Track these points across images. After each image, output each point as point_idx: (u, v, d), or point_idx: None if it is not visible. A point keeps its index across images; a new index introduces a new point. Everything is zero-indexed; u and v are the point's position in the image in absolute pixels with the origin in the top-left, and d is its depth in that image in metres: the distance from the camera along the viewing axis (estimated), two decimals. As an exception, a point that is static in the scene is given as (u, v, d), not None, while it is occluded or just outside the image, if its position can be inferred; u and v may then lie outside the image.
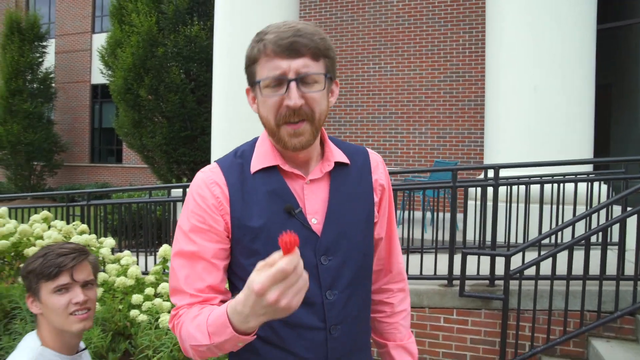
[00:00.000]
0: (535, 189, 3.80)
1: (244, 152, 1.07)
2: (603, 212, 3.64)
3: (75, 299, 1.23)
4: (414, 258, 4.07)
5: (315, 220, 1.02)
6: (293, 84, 0.92)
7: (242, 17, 6.48)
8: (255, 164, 1.03)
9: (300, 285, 0.73)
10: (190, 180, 7.91)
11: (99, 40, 15.63)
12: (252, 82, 1.01)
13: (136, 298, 3.17)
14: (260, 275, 0.72)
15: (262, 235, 0.98)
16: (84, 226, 4.02)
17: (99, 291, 3.19)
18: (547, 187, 3.80)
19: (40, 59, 15.21)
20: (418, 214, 5.81)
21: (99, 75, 14.76)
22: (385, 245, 1.19)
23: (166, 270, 3.87)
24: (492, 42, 5.68)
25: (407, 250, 4.08)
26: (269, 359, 1.01)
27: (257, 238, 0.99)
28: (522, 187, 3.94)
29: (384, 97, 8.70)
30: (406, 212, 4.99)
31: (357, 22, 8.88)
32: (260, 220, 0.98)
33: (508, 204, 3.92)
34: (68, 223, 4.38)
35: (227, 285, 1.05)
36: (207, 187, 1.01)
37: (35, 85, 15.02)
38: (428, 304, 3.68)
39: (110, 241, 3.90)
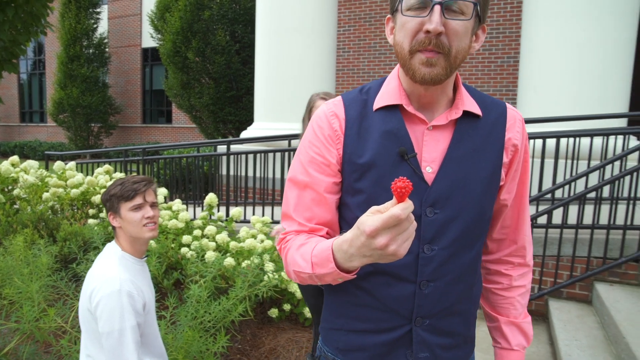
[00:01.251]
0: (551, 143, 3.96)
1: (370, 89, 1.03)
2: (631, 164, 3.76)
3: (146, 214, 1.66)
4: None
5: (430, 170, 0.95)
6: (437, 7, 0.85)
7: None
8: (379, 101, 0.99)
9: (410, 232, 0.72)
10: (236, 138, 8.46)
11: (149, 5, 16.19)
12: (394, 9, 0.94)
13: (186, 239, 3.69)
14: (372, 218, 0.71)
15: (369, 174, 0.95)
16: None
17: (155, 231, 3.72)
18: (563, 141, 3.95)
19: (95, 25, 15.98)
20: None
21: (149, 39, 15.41)
22: (512, 213, 1.08)
23: (211, 216, 4.38)
24: (528, -3, 5.65)
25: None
26: (359, 301, 1.00)
27: (363, 176, 0.96)
28: (551, 141, 4.10)
29: (422, 56, 8.74)
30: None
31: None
32: (371, 158, 0.95)
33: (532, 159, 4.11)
34: (127, 175, 4.96)
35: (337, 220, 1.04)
36: (327, 118, 1.00)
37: (91, 51, 15.87)
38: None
39: (163, 190, 4.44)
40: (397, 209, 0.69)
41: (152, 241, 3.69)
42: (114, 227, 1.70)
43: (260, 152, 5.26)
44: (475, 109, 0.98)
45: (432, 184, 0.95)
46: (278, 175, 5.34)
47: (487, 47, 8.22)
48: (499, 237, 1.11)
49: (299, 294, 3.26)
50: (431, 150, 0.96)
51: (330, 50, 7.12)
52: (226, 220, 4.34)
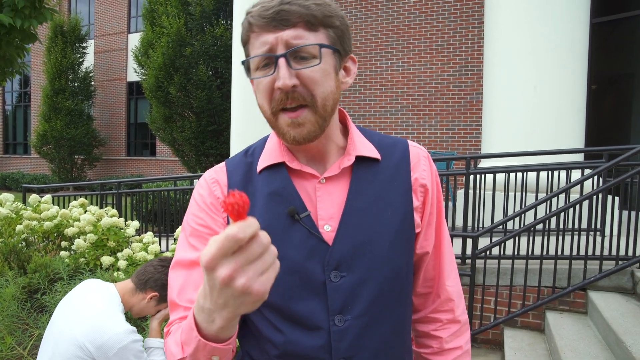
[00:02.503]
0: (500, 177, 4.21)
1: (255, 150, 0.94)
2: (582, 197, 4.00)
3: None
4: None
5: (329, 228, 0.84)
6: (281, 60, 0.76)
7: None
8: (261, 162, 0.89)
9: (267, 262, 0.56)
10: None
11: (134, 40, 16.57)
12: (247, 70, 0.84)
13: (154, 270, 3.80)
14: (208, 247, 0.55)
15: None
16: (114, 211, 4.69)
17: (124, 264, 3.83)
18: (516, 175, 4.20)
19: (81, 59, 16.30)
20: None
21: (133, 73, 15.71)
22: (433, 262, 0.97)
23: (182, 249, 4.49)
24: (490, 37, 6.01)
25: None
26: None
27: None
28: (500, 176, 4.36)
29: (396, 92, 9.09)
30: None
31: (371, 19, 9.29)
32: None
33: (480, 192, 4.34)
34: (101, 209, 5.07)
35: None
36: (208, 185, 0.90)
37: (76, 84, 16.14)
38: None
39: (135, 224, 4.56)
40: (234, 227, 0.53)
41: (120, 272, 3.79)
42: (145, 296, 1.81)
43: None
44: (372, 152, 0.89)
45: (333, 244, 0.83)
46: (250, 208, 5.50)
47: (457, 84, 8.60)
48: (423, 292, 0.99)
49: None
50: (327, 205, 0.85)
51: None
52: (196, 252, 4.45)
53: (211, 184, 0.91)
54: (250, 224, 0.54)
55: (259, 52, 0.78)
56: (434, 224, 0.94)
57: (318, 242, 0.83)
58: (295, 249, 0.82)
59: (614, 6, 7.91)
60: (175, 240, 4.47)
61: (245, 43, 0.83)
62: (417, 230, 0.90)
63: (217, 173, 0.92)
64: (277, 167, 0.88)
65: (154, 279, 1.80)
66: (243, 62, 0.83)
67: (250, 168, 0.91)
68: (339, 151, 0.90)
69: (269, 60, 0.78)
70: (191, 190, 6.03)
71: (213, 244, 0.55)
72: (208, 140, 11.96)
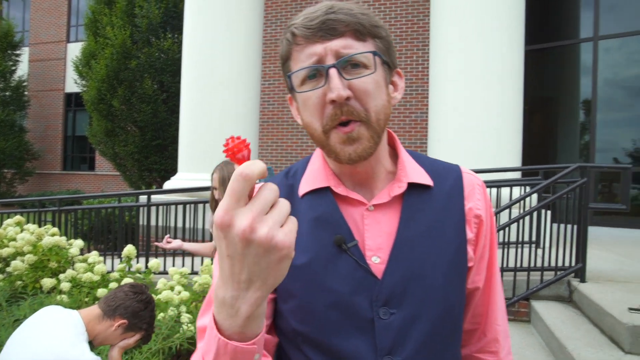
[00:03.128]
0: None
1: (297, 172, 0.87)
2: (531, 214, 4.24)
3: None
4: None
5: (378, 260, 0.77)
6: (332, 71, 0.71)
7: (208, 30, 6.97)
8: (304, 186, 0.83)
9: (283, 210, 0.51)
10: (160, 187, 8.43)
11: (74, 50, 15.88)
12: (290, 87, 0.78)
13: (101, 292, 3.61)
14: (219, 205, 0.51)
15: (302, 274, 0.77)
16: (55, 229, 4.44)
17: (67, 286, 3.63)
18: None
19: (14, 67, 15.37)
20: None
21: (73, 84, 15.02)
22: (483, 298, 0.88)
23: (129, 268, 4.32)
24: (435, 59, 6.31)
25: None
26: None
27: (296, 276, 0.76)
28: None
29: (345, 109, 9.28)
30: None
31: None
32: (303, 255, 0.77)
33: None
34: (40, 227, 4.78)
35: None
36: None
37: (7, 94, 15.17)
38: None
39: (78, 242, 4.34)
40: (240, 167, 0.50)
41: (64, 295, 3.59)
42: (113, 324, 1.73)
43: (183, 203, 5.30)
44: (424, 178, 0.82)
45: (383, 277, 0.76)
46: (200, 225, 5.38)
47: (402, 102, 8.91)
48: (469, 328, 0.90)
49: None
50: (375, 235, 0.78)
51: (254, 103, 7.40)
52: (144, 272, 4.30)
53: None
54: (255, 162, 0.50)
55: (305, 65, 0.73)
56: (487, 257, 0.87)
57: (366, 274, 0.76)
58: (341, 281, 0.76)
59: (544, 36, 8.56)
60: (121, 259, 4.29)
61: (287, 59, 0.77)
62: (469, 264, 0.83)
63: None
64: (321, 192, 0.81)
65: (124, 306, 1.72)
66: (288, 76, 0.76)
67: (292, 191, 0.84)
68: (388, 176, 0.84)
69: (318, 72, 0.73)
70: (137, 206, 5.82)
71: (224, 199, 0.50)
72: (152, 155, 11.60)
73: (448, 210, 0.81)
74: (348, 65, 0.72)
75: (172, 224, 5.34)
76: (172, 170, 11.79)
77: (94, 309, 1.74)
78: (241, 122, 7.03)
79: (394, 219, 0.79)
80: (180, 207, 5.39)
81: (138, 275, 4.32)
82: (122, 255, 4.25)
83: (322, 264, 0.76)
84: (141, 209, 5.80)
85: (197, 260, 5.13)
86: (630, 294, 3.38)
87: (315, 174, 0.83)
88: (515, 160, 5.89)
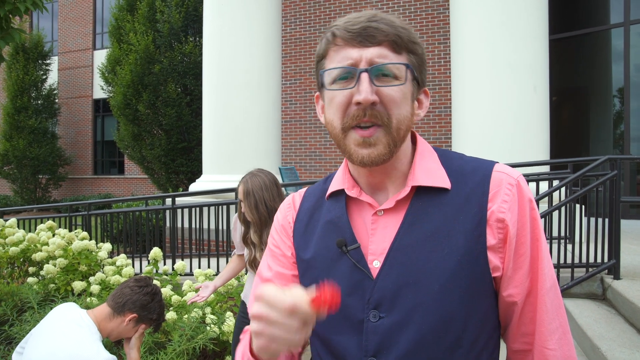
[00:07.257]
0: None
1: (331, 176, 0.92)
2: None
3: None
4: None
5: (378, 264, 0.78)
6: (364, 75, 0.74)
7: (229, 34, 7.02)
8: (330, 188, 0.88)
9: (283, 335, 0.66)
10: (187, 189, 8.60)
11: (100, 57, 16.27)
12: (320, 84, 0.82)
13: (129, 294, 3.69)
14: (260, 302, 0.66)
15: (308, 271, 0.85)
16: (85, 233, 4.55)
17: (97, 288, 3.72)
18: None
19: (44, 76, 15.83)
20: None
21: (100, 90, 15.40)
22: (528, 313, 0.80)
23: (157, 270, 4.40)
24: (456, 53, 6.19)
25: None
26: None
27: (305, 274, 0.86)
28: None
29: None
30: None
31: (340, 36, 9.42)
32: (312, 254, 0.84)
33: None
34: (71, 231, 4.91)
35: None
36: (285, 208, 0.94)
37: (39, 102, 15.63)
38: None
39: (107, 246, 4.43)
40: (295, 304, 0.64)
41: (94, 298, 3.67)
42: (124, 319, 1.76)
43: (208, 204, 5.36)
44: (437, 180, 0.80)
45: (375, 281, 0.77)
46: (224, 226, 5.42)
47: (425, 98, 8.78)
48: (520, 348, 0.82)
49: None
50: (379, 240, 0.79)
51: (275, 103, 7.42)
52: (171, 273, 4.37)
53: (287, 208, 0.94)
54: (310, 316, 0.65)
55: (339, 65, 0.76)
56: (526, 267, 0.78)
57: (363, 277, 0.78)
58: (339, 281, 0.79)
59: (569, 24, 8.30)
60: (149, 261, 4.37)
61: (323, 57, 0.80)
62: (495, 274, 0.77)
63: (295, 197, 0.95)
64: (339, 194, 0.86)
65: (132, 301, 1.76)
66: (321, 73, 0.80)
67: (323, 194, 0.90)
68: (403, 179, 0.83)
69: (350, 74, 0.76)
70: (163, 209, 5.92)
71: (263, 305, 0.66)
72: (178, 157, 11.79)
73: (461, 215, 0.77)
74: (380, 73, 0.75)
75: (198, 226, 5.41)
76: (198, 172, 11.96)
77: (103, 308, 1.78)
78: (263, 122, 7.06)
79: (398, 224, 0.80)
80: (205, 209, 5.45)
81: (165, 277, 4.40)
82: (149, 258, 4.33)
83: (327, 264, 0.82)
84: (167, 211, 5.89)
85: (222, 261, 5.18)
86: (667, 290, 3.25)
87: (338, 176, 0.88)
88: (543, 153, 5.73)
